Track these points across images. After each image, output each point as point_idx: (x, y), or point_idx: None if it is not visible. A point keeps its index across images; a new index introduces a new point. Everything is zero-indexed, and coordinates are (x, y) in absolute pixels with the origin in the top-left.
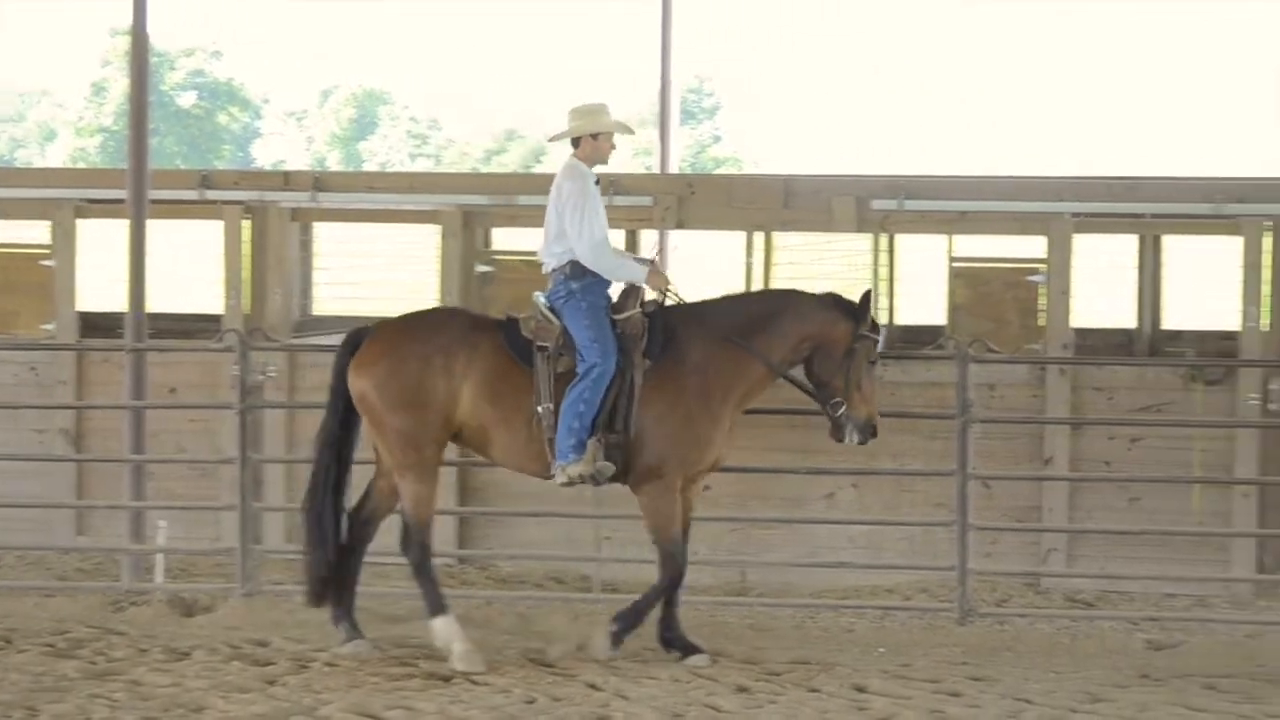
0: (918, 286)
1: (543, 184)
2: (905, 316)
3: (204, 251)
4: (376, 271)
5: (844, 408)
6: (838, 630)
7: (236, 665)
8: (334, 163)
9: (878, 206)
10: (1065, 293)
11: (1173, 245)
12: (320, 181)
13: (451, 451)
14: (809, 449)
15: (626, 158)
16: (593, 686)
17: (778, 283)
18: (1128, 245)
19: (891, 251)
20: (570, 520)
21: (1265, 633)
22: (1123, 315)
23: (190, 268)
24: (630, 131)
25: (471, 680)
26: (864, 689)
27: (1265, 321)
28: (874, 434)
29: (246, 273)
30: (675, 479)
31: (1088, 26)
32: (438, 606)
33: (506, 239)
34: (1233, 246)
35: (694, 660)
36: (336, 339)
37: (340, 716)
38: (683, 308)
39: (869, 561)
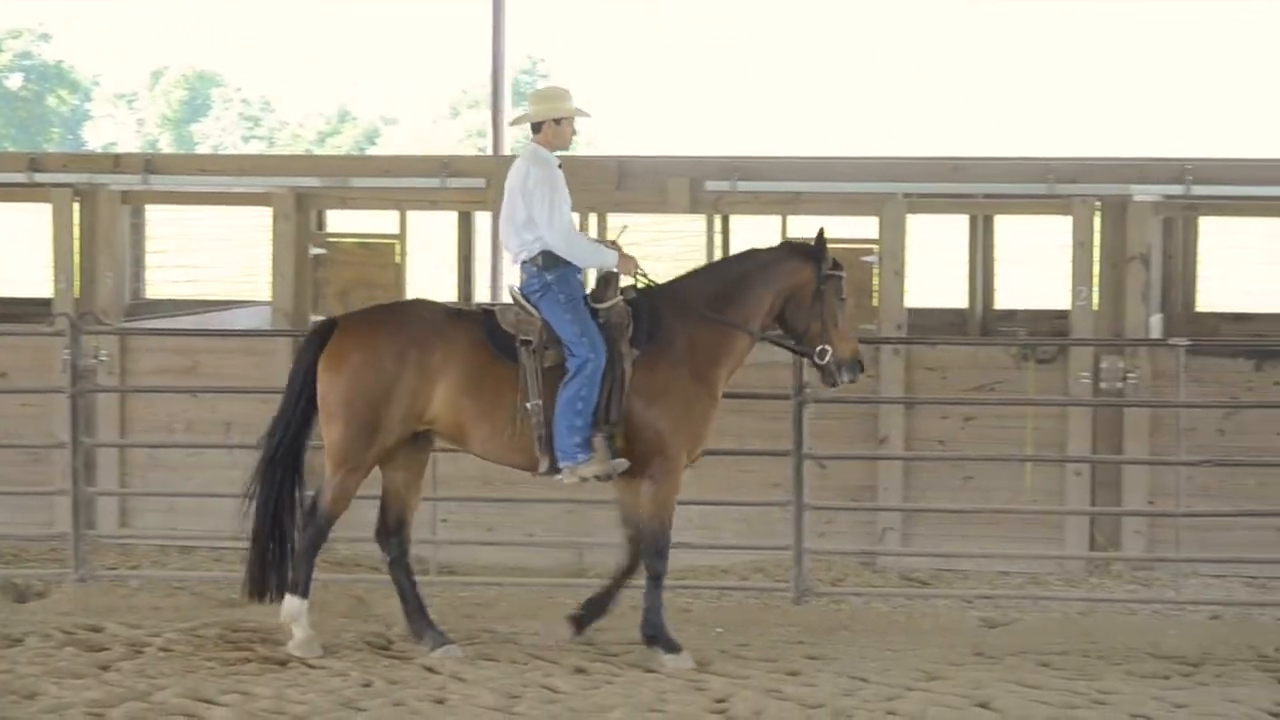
0: None
1: (376, 166)
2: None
3: (33, 235)
4: (209, 254)
5: (830, 353)
6: (675, 610)
7: (70, 651)
8: (166, 145)
9: (712, 188)
10: (898, 273)
11: (1004, 225)
12: (151, 164)
13: None
14: None
15: (460, 139)
16: (430, 670)
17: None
18: (960, 226)
19: (726, 232)
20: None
21: (1098, 610)
22: (955, 295)
23: (19, 251)
24: (588, 115)
25: (308, 664)
26: (701, 668)
27: (1095, 300)
28: (863, 369)
29: (77, 256)
30: (680, 463)
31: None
32: (300, 587)
33: (340, 221)
34: (1063, 226)
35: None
36: (168, 323)
37: (175, 701)
38: (658, 290)
39: (706, 542)
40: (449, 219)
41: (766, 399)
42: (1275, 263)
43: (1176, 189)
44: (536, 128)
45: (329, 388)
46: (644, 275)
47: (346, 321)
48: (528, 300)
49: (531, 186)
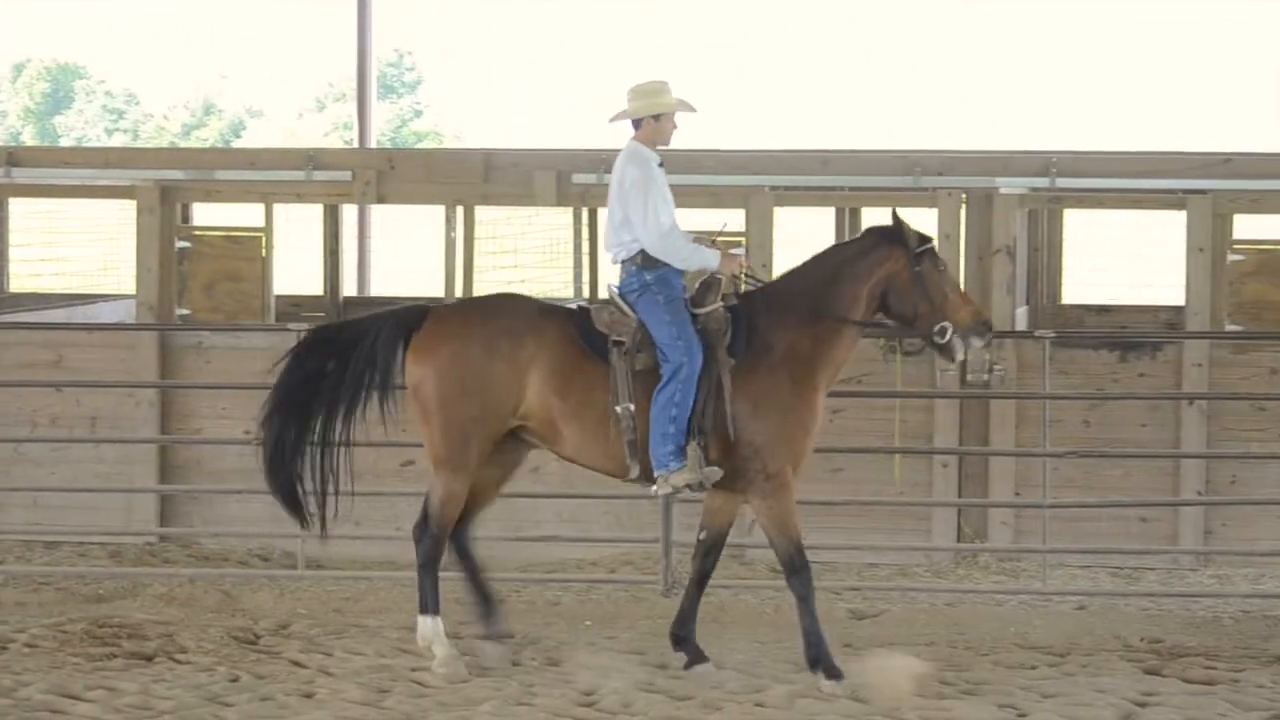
0: None
1: (241, 159)
2: (606, 288)
3: None
4: (73, 248)
5: (950, 329)
6: (544, 604)
7: None
8: (28, 138)
9: (579, 180)
10: (766, 265)
11: (870, 217)
12: (13, 157)
13: (152, 427)
14: None
15: (326, 132)
16: (297, 664)
17: (480, 256)
18: (827, 218)
19: (593, 225)
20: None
21: (965, 601)
22: None
23: None
24: (693, 109)
25: (174, 659)
26: (570, 661)
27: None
28: (990, 328)
29: None
30: (788, 474)
31: None
32: (430, 606)
33: (206, 214)
34: (929, 219)
35: (699, 669)
36: (33, 316)
37: (40, 698)
38: (756, 295)
39: (575, 535)
40: (315, 212)
41: None
42: (1139, 255)
43: (1041, 181)
44: (636, 124)
45: (419, 381)
46: (749, 276)
47: (438, 313)
48: (625, 300)
49: (628, 187)
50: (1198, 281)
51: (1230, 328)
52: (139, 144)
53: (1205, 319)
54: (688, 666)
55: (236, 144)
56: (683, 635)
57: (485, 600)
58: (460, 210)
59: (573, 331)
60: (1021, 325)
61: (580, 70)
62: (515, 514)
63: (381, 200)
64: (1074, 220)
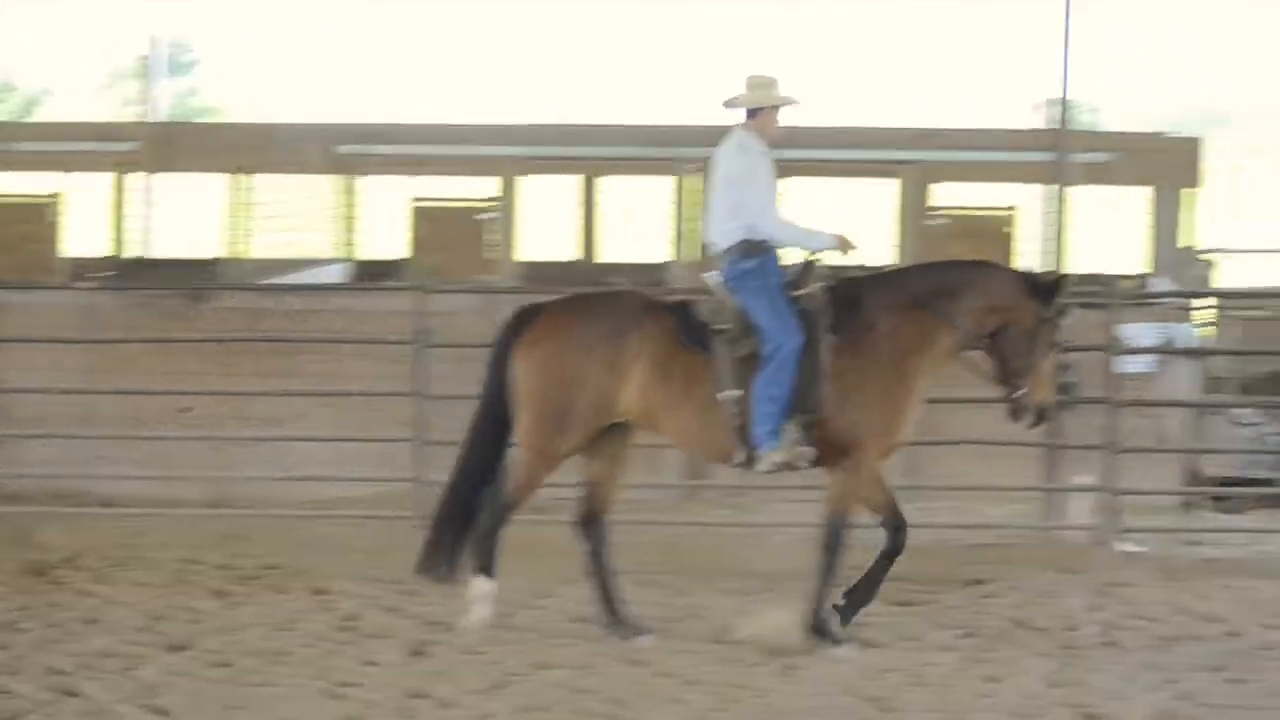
0: (381, 224)
1: (37, 132)
2: (369, 252)
3: None
4: None
5: (1025, 395)
6: (310, 538)
7: None
8: None
9: (345, 151)
10: (514, 229)
11: (611, 185)
12: None
13: None
14: (284, 372)
15: (114, 105)
16: (83, 593)
17: (255, 221)
18: (571, 185)
19: (358, 192)
20: (71, 440)
21: (691, 533)
22: (566, 248)
23: None
24: (796, 102)
25: None
26: (332, 590)
27: (673, 254)
28: (1044, 418)
29: None
30: (872, 457)
31: None
32: (489, 568)
33: (2, 183)
34: (666, 186)
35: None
36: None
37: None
38: (863, 279)
39: (339, 474)
40: (106, 180)
41: (389, 344)
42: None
43: None
44: (751, 113)
45: (522, 374)
46: (857, 255)
47: (552, 307)
48: (726, 288)
49: (740, 176)
50: (907, 244)
51: None
52: None
53: None
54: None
55: (31, 119)
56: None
57: (610, 602)
58: (237, 179)
59: (673, 324)
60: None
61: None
62: (286, 456)
63: (165, 169)
64: (795, 188)
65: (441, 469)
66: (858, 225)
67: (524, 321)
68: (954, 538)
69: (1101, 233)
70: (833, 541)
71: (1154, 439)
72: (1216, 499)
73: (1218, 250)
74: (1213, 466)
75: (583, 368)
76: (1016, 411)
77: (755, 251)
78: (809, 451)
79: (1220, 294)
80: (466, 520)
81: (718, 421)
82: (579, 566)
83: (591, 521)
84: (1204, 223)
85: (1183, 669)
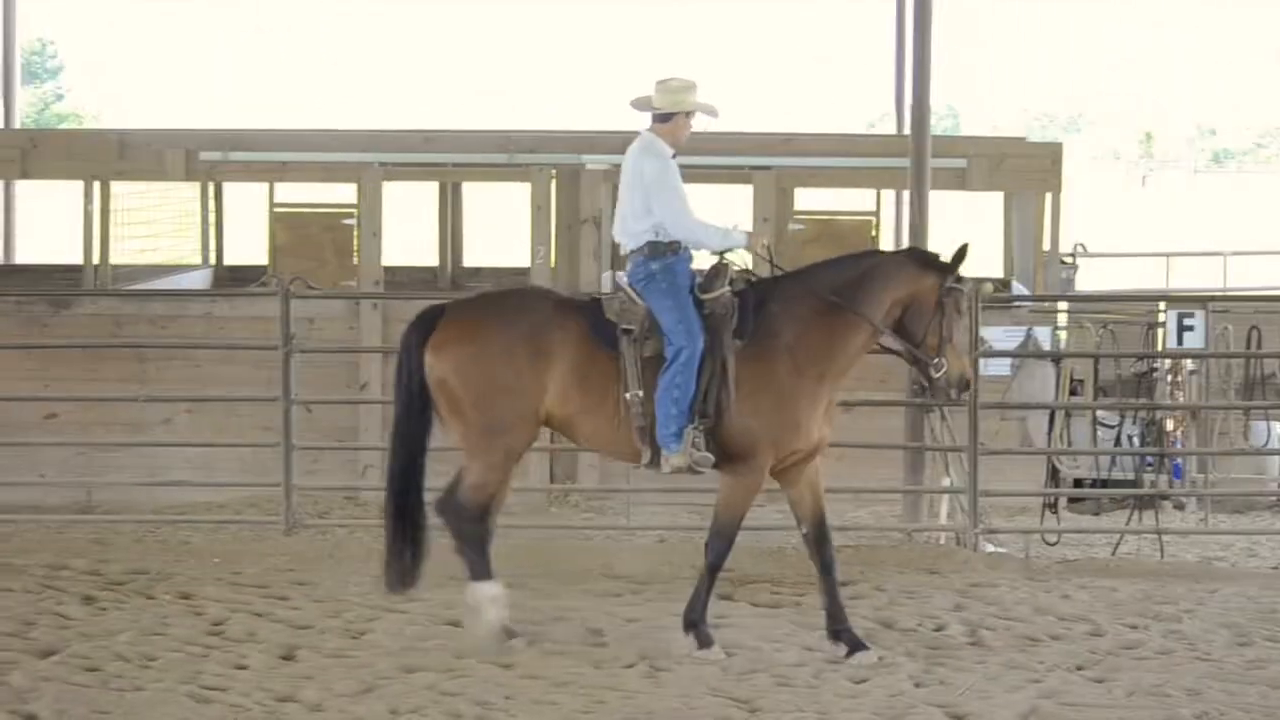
0: (243, 230)
1: None
2: (232, 258)
3: None
4: None
5: (944, 368)
6: (176, 543)
7: None
8: None
9: (205, 157)
10: (376, 234)
11: (471, 191)
12: None
13: None
14: (147, 379)
15: None
16: None
17: (116, 228)
18: (431, 192)
19: (219, 198)
20: None
21: (557, 536)
22: (427, 254)
23: None
24: (715, 115)
25: None
26: (200, 596)
27: (553, 259)
28: (969, 387)
29: None
30: (765, 462)
31: None
32: (480, 573)
33: None
34: (523, 192)
35: (860, 657)
36: None
37: None
38: (769, 282)
39: (204, 480)
40: None
41: (253, 350)
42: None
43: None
44: (664, 118)
45: (442, 377)
46: (771, 252)
47: (456, 308)
48: (633, 289)
49: (649, 179)
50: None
51: None
52: None
53: None
54: (848, 655)
55: None
56: (838, 629)
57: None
58: (97, 185)
59: (586, 324)
60: (607, 288)
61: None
62: (150, 461)
63: (25, 176)
64: None
65: (306, 474)
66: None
67: (428, 323)
68: None
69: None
70: (719, 546)
71: (1016, 441)
72: (1076, 500)
73: (1077, 255)
74: (1073, 468)
75: (507, 371)
76: (938, 388)
77: (662, 253)
78: (708, 457)
79: (1080, 298)
80: (412, 523)
81: (624, 421)
82: (445, 569)
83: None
84: (1064, 227)
85: (1046, 668)
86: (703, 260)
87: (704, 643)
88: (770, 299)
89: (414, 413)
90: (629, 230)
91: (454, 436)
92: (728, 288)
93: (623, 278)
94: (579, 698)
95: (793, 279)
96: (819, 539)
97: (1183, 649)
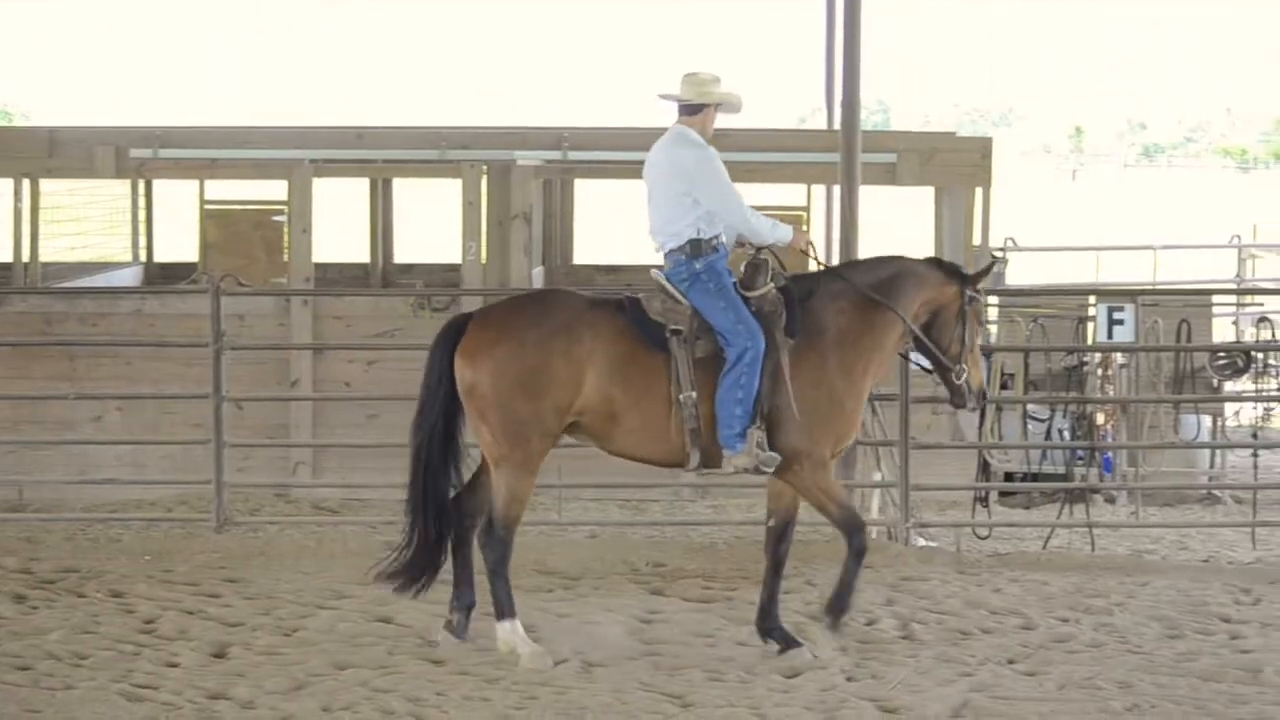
0: (174, 227)
1: None
2: (162, 255)
3: None
4: None
5: (965, 374)
6: (106, 541)
7: None
8: None
9: (135, 155)
10: (306, 231)
11: (402, 188)
12: None
13: None
14: (77, 376)
15: None
16: None
17: (46, 225)
18: (361, 188)
19: (149, 196)
20: None
21: None
22: (359, 251)
23: None
24: (739, 107)
25: None
26: (131, 593)
27: (484, 255)
28: (985, 398)
29: None
30: (826, 457)
31: None
32: (506, 610)
33: None
34: (454, 188)
35: (793, 653)
36: None
37: None
38: (806, 278)
39: (134, 477)
40: None
41: (184, 347)
42: (641, 219)
43: (555, 154)
44: (692, 110)
45: (474, 382)
46: (815, 252)
47: (488, 313)
48: (676, 289)
49: (693, 170)
50: None
51: None
52: None
53: None
54: (781, 653)
55: None
56: (770, 627)
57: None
58: (27, 183)
59: (625, 323)
60: (538, 284)
61: (134, 54)
62: (81, 459)
63: None
64: (584, 188)
65: (237, 471)
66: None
67: (456, 331)
68: (750, 534)
69: (892, 232)
70: (854, 528)
71: (947, 435)
72: (1007, 494)
73: (1008, 249)
74: (1004, 462)
75: (540, 370)
76: (960, 396)
77: (704, 251)
78: (774, 457)
79: (1010, 292)
80: (440, 536)
81: (674, 425)
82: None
83: (469, 514)
84: (994, 222)
85: (978, 662)
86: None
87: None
88: (811, 295)
89: (439, 419)
90: (670, 229)
91: (482, 442)
92: (772, 284)
93: (660, 276)
94: (511, 694)
95: (829, 276)
96: (780, 536)
97: (1114, 642)
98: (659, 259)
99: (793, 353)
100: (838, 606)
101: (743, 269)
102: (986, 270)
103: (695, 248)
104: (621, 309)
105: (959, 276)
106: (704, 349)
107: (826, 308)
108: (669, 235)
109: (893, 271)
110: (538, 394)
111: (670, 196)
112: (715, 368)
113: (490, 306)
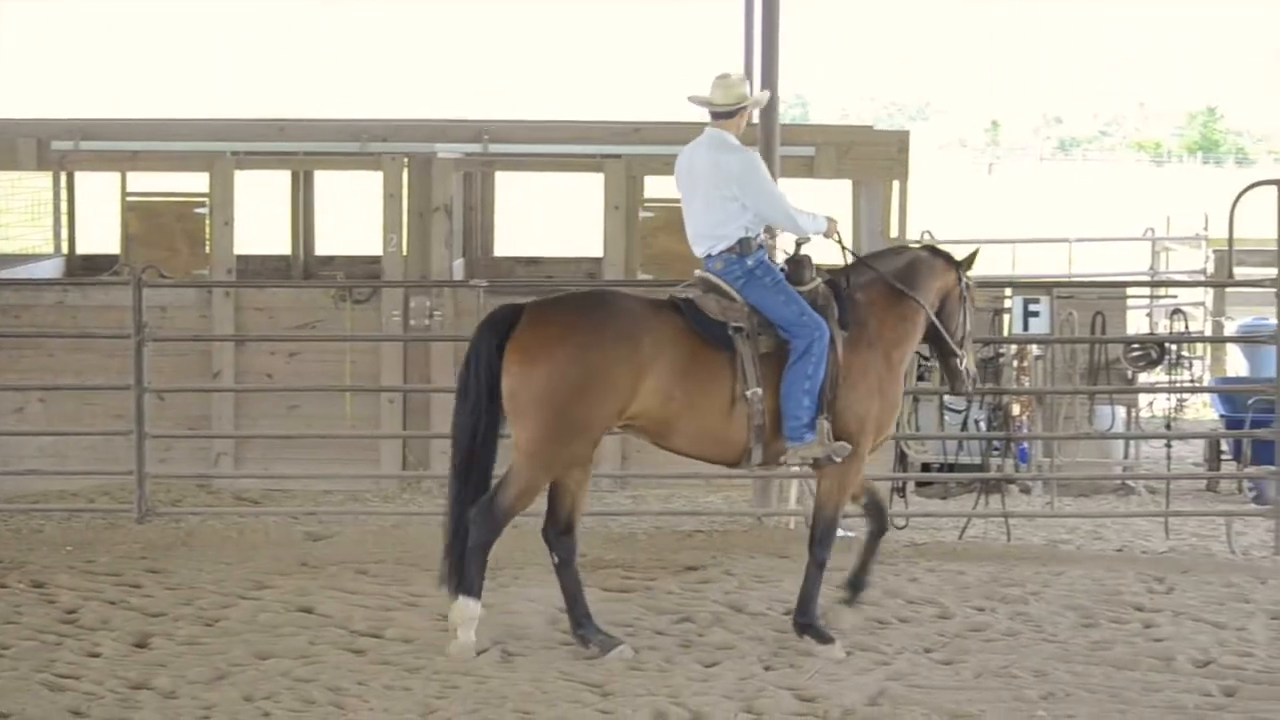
0: (96, 219)
1: None
2: (84, 246)
3: None
4: None
5: (964, 360)
6: (28, 532)
7: None
8: None
9: (57, 147)
10: (228, 223)
11: (323, 180)
12: None
13: None
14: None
15: None
16: None
17: None
18: (282, 180)
19: (70, 188)
20: None
21: (410, 522)
22: (280, 243)
23: None
24: (763, 105)
25: None
26: (52, 584)
27: (405, 247)
28: (979, 381)
29: None
30: (868, 449)
31: None
32: (475, 589)
33: None
34: (375, 180)
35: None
36: None
37: None
38: (844, 273)
39: (56, 468)
40: None
41: (105, 338)
42: (563, 213)
43: (475, 147)
44: (728, 114)
45: (528, 379)
46: (840, 241)
47: (543, 309)
48: (730, 288)
49: (738, 175)
50: (614, 236)
51: (642, 276)
52: None
53: (620, 269)
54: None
55: None
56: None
57: (585, 614)
58: None
59: (684, 323)
60: (459, 276)
61: (58, 46)
62: (2, 450)
63: None
64: (504, 181)
65: (159, 462)
66: (565, 219)
67: (503, 324)
68: (668, 524)
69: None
70: (826, 541)
71: None
72: (924, 484)
73: (924, 242)
74: (921, 452)
75: (602, 372)
76: (960, 381)
77: (753, 249)
78: (844, 447)
79: None
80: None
81: (738, 420)
82: (295, 558)
83: (562, 533)
84: (911, 214)
85: (894, 651)
86: None
87: (824, 639)
88: (852, 289)
89: (481, 413)
90: (718, 232)
91: (519, 435)
92: (818, 278)
93: (710, 276)
94: (432, 683)
95: (857, 268)
96: (877, 508)
97: (1029, 631)
98: (580, 251)
99: (845, 344)
100: (803, 621)
101: (786, 265)
102: (973, 257)
103: (743, 246)
104: (678, 310)
105: (955, 264)
106: (766, 344)
107: (865, 300)
108: (717, 238)
109: (908, 261)
110: (597, 400)
111: (716, 201)
112: (777, 363)
113: (545, 302)
